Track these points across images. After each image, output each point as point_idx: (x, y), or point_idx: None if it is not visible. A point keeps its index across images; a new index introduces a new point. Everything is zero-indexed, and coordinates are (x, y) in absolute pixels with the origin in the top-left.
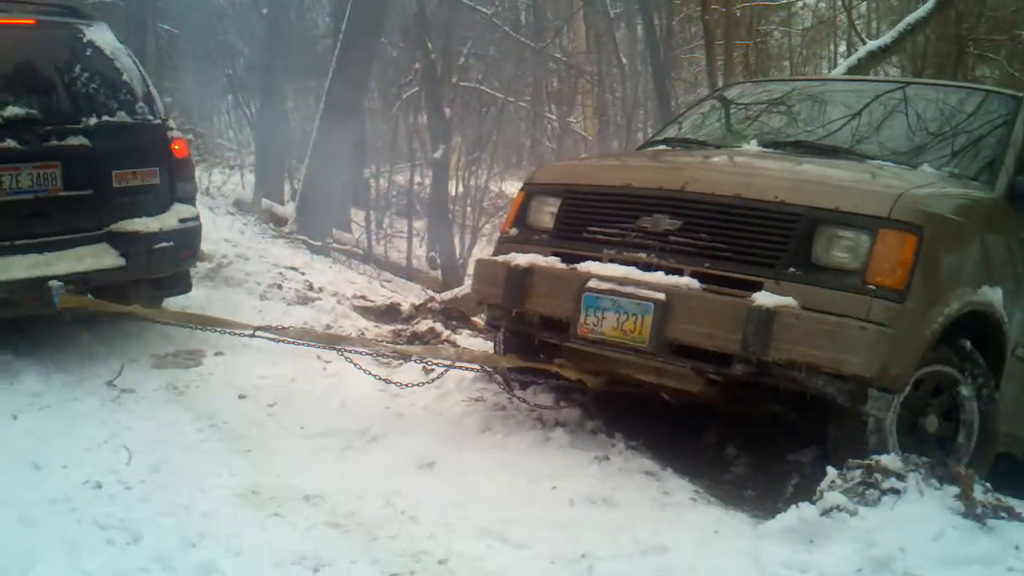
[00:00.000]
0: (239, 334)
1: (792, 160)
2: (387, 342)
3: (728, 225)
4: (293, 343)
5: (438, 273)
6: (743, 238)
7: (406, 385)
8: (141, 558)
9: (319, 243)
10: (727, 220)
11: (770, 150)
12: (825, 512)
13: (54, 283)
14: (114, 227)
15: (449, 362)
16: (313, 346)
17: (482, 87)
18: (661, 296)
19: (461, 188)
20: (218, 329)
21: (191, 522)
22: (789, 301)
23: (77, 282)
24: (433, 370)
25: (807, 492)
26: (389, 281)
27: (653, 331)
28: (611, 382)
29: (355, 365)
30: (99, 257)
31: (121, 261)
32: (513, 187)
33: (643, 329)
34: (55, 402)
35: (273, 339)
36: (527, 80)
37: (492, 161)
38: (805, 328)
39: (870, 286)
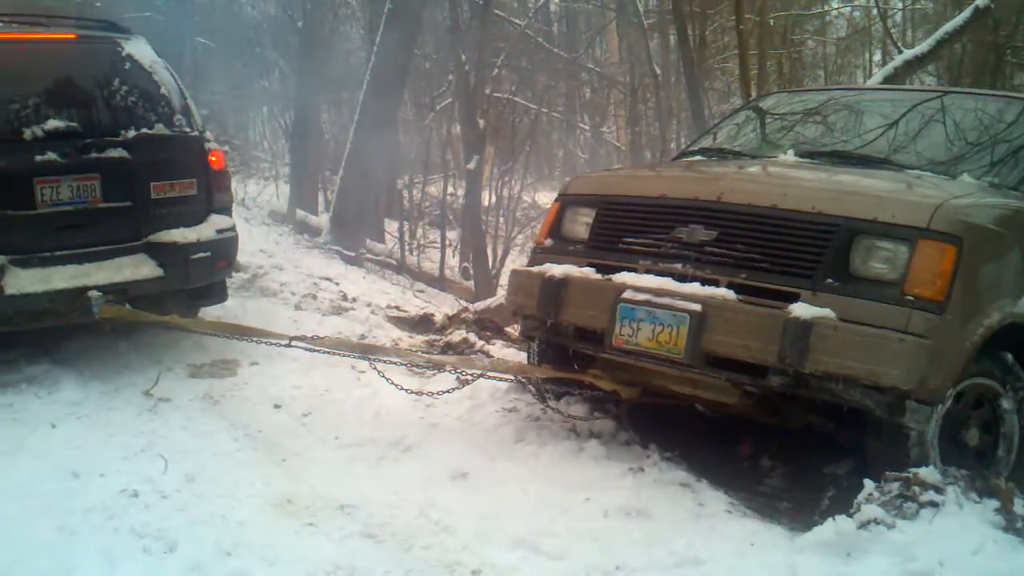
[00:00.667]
0: (275, 343)
1: (829, 170)
2: (421, 352)
3: (765, 236)
4: (329, 353)
5: (471, 283)
6: (780, 249)
7: (439, 394)
8: (177, 567)
9: (353, 254)
10: (764, 231)
11: (806, 160)
12: (862, 525)
13: (93, 293)
14: (152, 238)
15: (481, 371)
16: (348, 356)
17: (515, 98)
18: (697, 307)
19: (494, 198)
20: (254, 339)
21: (227, 531)
22: (826, 312)
23: (116, 292)
24: (467, 381)
25: (844, 505)
26: (422, 291)
27: (689, 342)
28: (645, 393)
29: (387, 379)
30: (137, 268)
31: (159, 271)
32: (546, 197)
33: (679, 340)
34: (93, 411)
35: (309, 349)
36: (560, 91)
37: (525, 171)
38: (843, 340)
39: (909, 297)
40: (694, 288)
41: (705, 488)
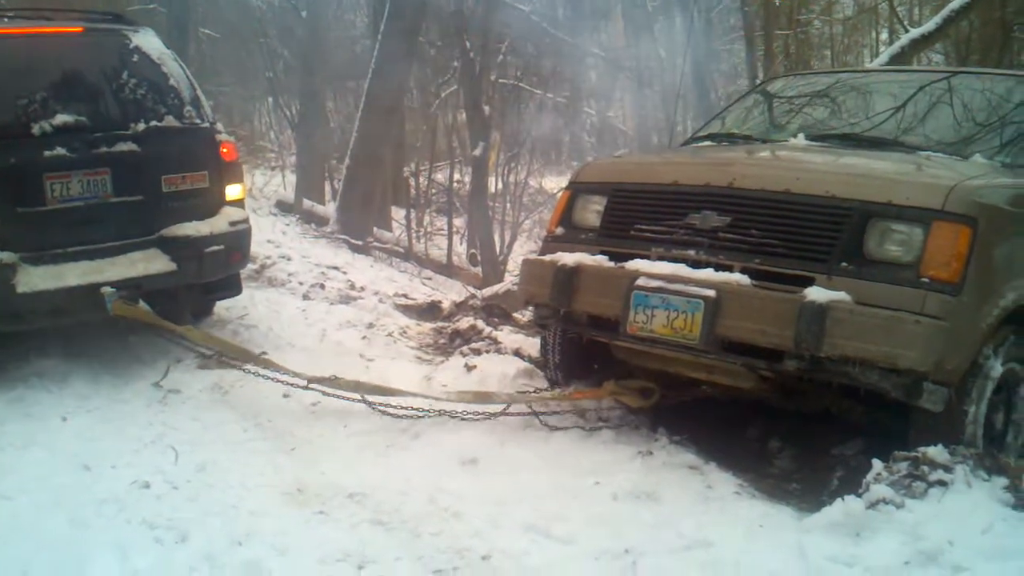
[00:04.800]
0: (293, 383)
1: (840, 153)
2: (468, 393)
3: (778, 221)
4: (342, 397)
5: (478, 270)
6: (793, 233)
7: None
8: (189, 557)
9: (360, 242)
10: (777, 216)
11: (817, 143)
12: (871, 505)
13: (106, 289)
14: (165, 232)
15: (530, 408)
16: (362, 400)
17: (520, 84)
18: (711, 293)
19: (500, 185)
20: (271, 375)
21: (238, 521)
22: (842, 296)
23: (129, 288)
24: (475, 368)
25: (852, 485)
26: (430, 279)
27: (704, 328)
28: (664, 398)
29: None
30: (151, 262)
31: (172, 266)
32: (552, 183)
33: (694, 326)
34: (103, 404)
35: (328, 393)
36: (565, 75)
37: (531, 157)
38: (858, 323)
39: (924, 279)
40: (708, 274)
41: (714, 470)
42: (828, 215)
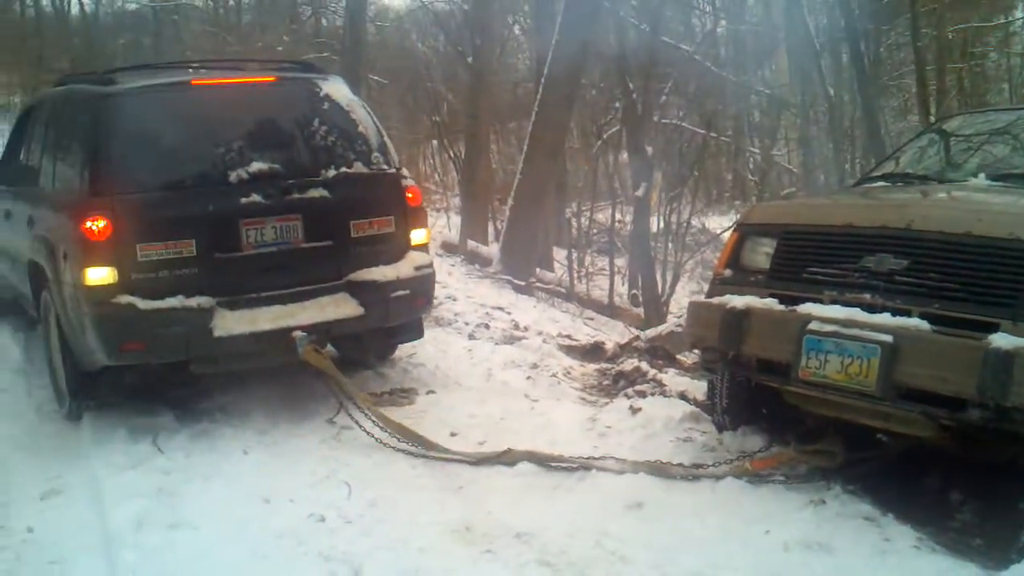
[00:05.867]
0: (460, 459)
1: None
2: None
3: (959, 264)
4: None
5: (640, 311)
6: (975, 277)
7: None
8: None
9: (523, 282)
10: (958, 259)
11: (999, 184)
12: None
13: (298, 334)
14: (352, 276)
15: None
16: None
17: (683, 123)
18: (888, 338)
19: (662, 224)
20: (435, 455)
21: (408, 557)
22: None
23: (319, 332)
24: (640, 411)
25: None
26: (592, 319)
27: (880, 374)
28: (848, 462)
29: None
30: (339, 307)
31: (360, 310)
32: (715, 222)
33: (869, 372)
34: (280, 439)
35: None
36: (728, 114)
37: (694, 196)
38: None
39: None
40: (884, 319)
41: (891, 522)
42: (1013, 258)
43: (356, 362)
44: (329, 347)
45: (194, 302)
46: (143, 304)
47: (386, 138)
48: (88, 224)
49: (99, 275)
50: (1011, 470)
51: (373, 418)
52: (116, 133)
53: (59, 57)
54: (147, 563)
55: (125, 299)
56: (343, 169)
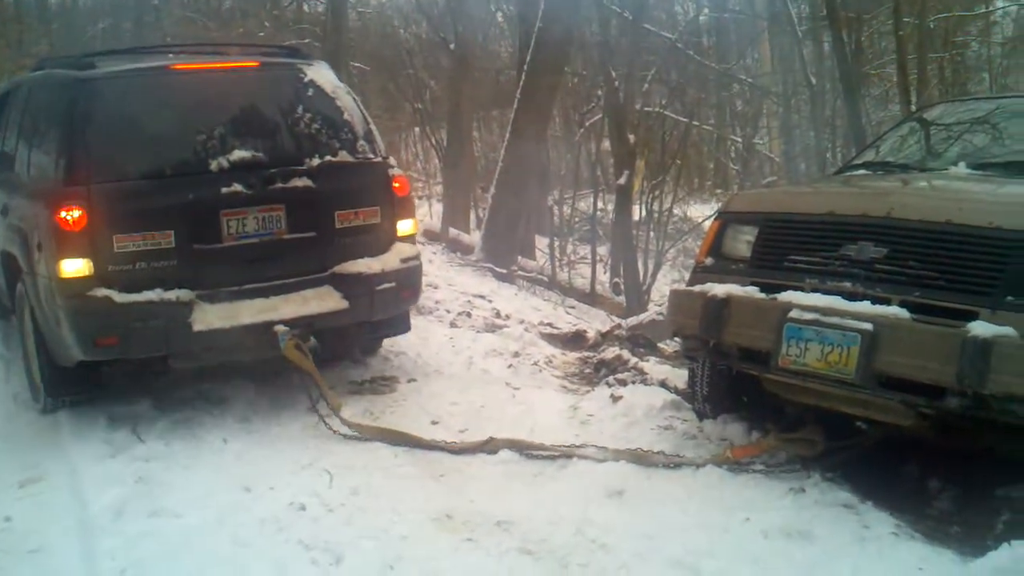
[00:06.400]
0: (441, 450)
1: (1004, 182)
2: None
3: (939, 252)
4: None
5: (622, 299)
6: (955, 266)
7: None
8: None
9: (504, 271)
10: (937, 247)
11: (979, 172)
12: None
13: (280, 328)
14: (337, 269)
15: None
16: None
17: (665, 111)
18: (868, 327)
19: (644, 213)
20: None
21: (390, 545)
22: (1008, 331)
23: (302, 326)
24: (621, 399)
25: (1019, 529)
26: (573, 307)
27: (860, 362)
28: (828, 450)
29: None
30: (323, 300)
31: (344, 304)
32: (697, 211)
33: (849, 360)
34: (261, 427)
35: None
36: (711, 102)
37: (676, 185)
38: None
39: None
40: (864, 307)
41: (870, 510)
42: (992, 247)
43: (340, 356)
44: (312, 340)
45: (173, 295)
46: (120, 297)
47: (372, 126)
48: (63, 214)
49: (74, 267)
50: (988, 458)
51: (349, 427)
52: (92, 120)
53: (39, 42)
54: (127, 551)
55: (101, 292)
56: (328, 158)
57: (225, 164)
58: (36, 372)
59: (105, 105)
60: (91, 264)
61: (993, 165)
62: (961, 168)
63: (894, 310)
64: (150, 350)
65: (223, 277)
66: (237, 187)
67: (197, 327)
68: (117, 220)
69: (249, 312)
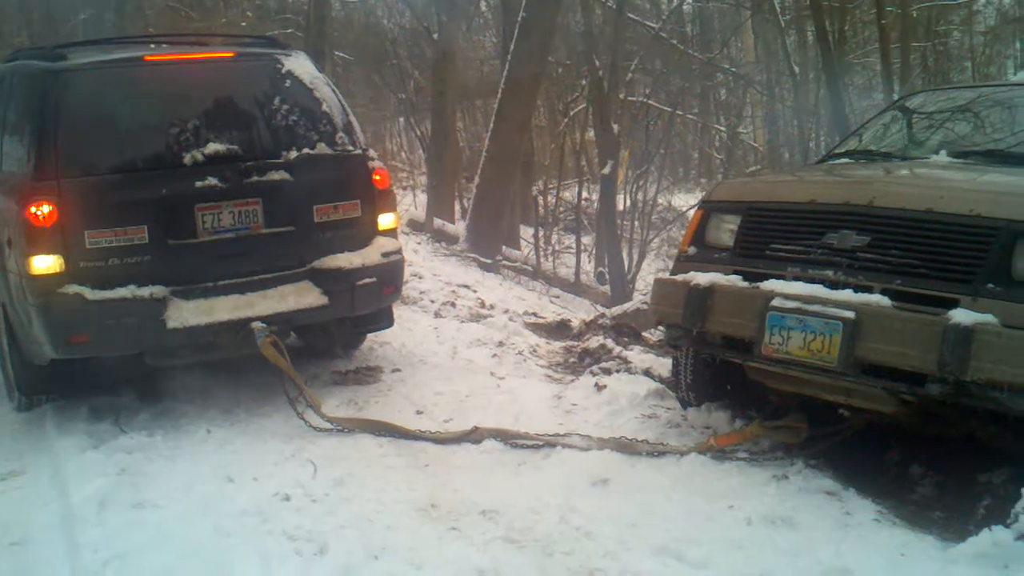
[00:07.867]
0: (425, 440)
1: (985, 170)
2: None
3: (920, 240)
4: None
5: (607, 288)
6: (937, 254)
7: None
8: (327, 569)
9: (489, 260)
10: (919, 235)
11: (960, 160)
12: (1020, 536)
13: (257, 325)
14: (316, 264)
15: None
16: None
17: (649, 101)
18: (850, 314)
19: (628, 202)
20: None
21: (374, 535)
22: (988, 318)
23: (280, 323)
24: (605, 388)
25: (1000, 515)
26: (558, 297)
27: (842, 350)
28: (812, 437)
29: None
30: (302, 296)
31: (324, 300)
32: (681, 200)
33: (831, 348)
34: (244, 417)
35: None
36: (695, 92)
37: (660, 174)
38: (1007, 346)
39: None
40: (847, 295)
41: (852, 496)
42: (973, 235)
43: (322, 353)
44: (292, 336)
45: (146, 292)
46: (92, 294)
47: (352, 117)
48: (32, 209)
49: (44, 264)
50: (969, 444)
51: (330, 422)
52: (64, 112)
53: (18, 33)
54: (110, 543)
55: (72, 289)
56: (306, 150)
57: (200, 157)
58: (10, 371)
59: (76, 97)
60: (62, 260)
61: (974, 153)
62: (943, 156)
63: (876, 298)
64: (123, 348)
65: (198, 273)
66: (212, 180)
67: (171, 324)
68: (89, 215)
69: (225, 309)
